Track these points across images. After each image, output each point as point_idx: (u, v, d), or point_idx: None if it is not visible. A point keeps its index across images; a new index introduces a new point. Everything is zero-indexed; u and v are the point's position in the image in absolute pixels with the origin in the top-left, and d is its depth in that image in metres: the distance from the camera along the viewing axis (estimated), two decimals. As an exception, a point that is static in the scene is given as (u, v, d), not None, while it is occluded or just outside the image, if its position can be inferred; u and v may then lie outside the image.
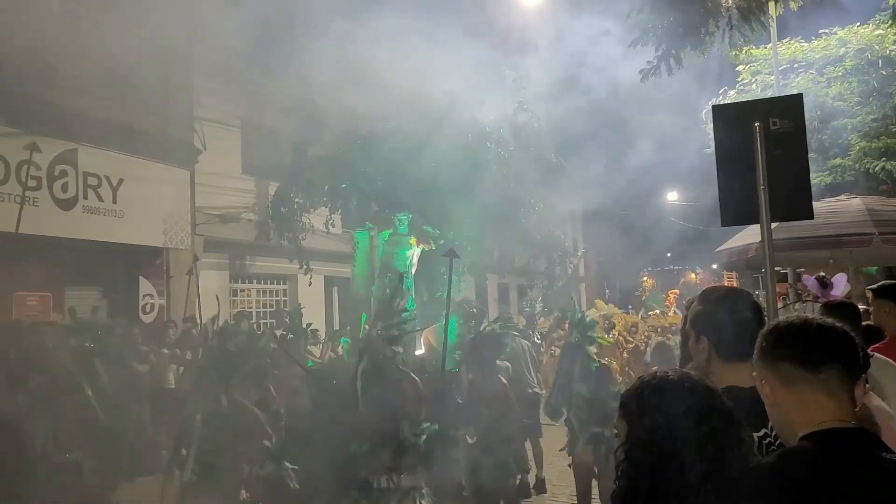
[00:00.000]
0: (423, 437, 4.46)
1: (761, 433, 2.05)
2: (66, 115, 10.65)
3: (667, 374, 1.82)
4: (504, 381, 6.14)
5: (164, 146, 12.90)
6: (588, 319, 6.01)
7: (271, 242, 15.10)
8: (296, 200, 12.71)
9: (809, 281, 6.86)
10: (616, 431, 1.86)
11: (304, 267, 13.37)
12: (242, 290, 16.11)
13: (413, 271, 9.16)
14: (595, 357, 6.00)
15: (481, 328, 6.39)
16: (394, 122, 11.11)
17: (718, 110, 4.53)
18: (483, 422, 5.55)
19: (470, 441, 5.51)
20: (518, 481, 6.52)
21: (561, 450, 6.50)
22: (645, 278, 27.11)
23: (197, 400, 4.77)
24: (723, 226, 4.48)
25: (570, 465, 6.36)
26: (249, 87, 13.64)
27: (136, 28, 10.34)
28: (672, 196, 28.53)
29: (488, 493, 5.59)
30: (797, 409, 1.65)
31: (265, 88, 12.64)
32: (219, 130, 14.07)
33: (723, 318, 2.28)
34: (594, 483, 6.22)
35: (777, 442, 2.04)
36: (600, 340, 6.73)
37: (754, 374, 1.79)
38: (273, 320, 14.26)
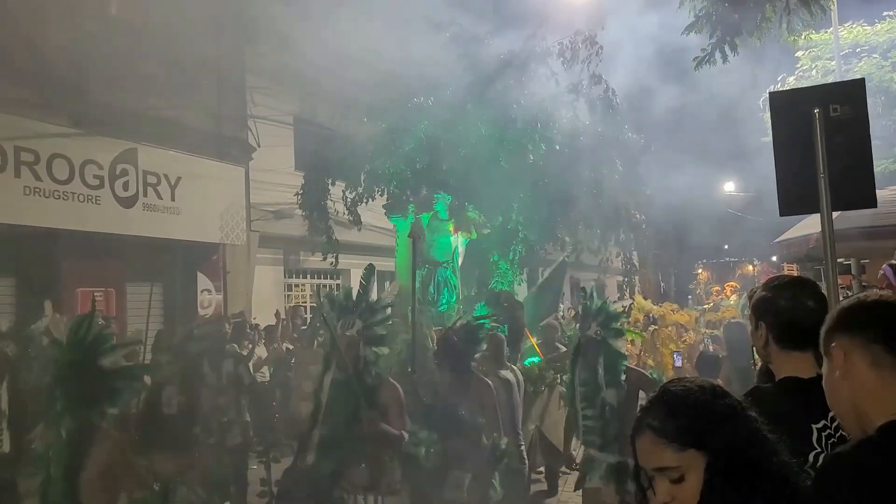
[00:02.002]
0: (409, 451, 4.21)
1: (820, 424, 2.00)
2: (125, 116, 10.96)
3: (689, 382, 1.65)
4: (490, 383, 5.12)
5: (219, 144, 13.19)
6: (611, 307, 4.77)
7: (323, 237, 15.32)
8: (328, 185, 11.86)
9: (887, 269, 6.61)
10: (674, 467, 1.53)
11: (333, 260, 12.43)
12: (297, 285, 16.36)
13: (460, 261, 8.75)
14: (626, 355, 4.78)
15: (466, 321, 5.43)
16: (439, 91, 10.22)
17: (776, 97, 4.39)
18: (451, 431, 4.59)
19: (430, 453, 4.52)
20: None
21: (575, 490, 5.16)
22: (700, 270, 26.48)
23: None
24: (781, 215, 4.35)
25: None
26: (301, 84, 13.77)
27: (192, 29, 10.58)
28: (729, 186, 27.90)
29: None
30: (878, 394, 1.52)
31: (316, 85, 12.70)
32: (272, 128, 14.30)
33: (782, 304, 2.22)
34: None
35: (837, 434, 1.99)
36: (631, 334, 5.87)
37: (834, 345, 1.58)
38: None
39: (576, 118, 11.23)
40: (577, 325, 4.87)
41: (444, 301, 7.97)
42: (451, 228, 8.37)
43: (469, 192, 9.87)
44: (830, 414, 1.97)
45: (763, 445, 1.54)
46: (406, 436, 4.25)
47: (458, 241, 8.62)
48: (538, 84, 10.82)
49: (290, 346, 11.22)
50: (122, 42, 10.28)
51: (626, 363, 4.72)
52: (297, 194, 11.64)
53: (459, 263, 8.78)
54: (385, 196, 11.18)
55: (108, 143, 10.79)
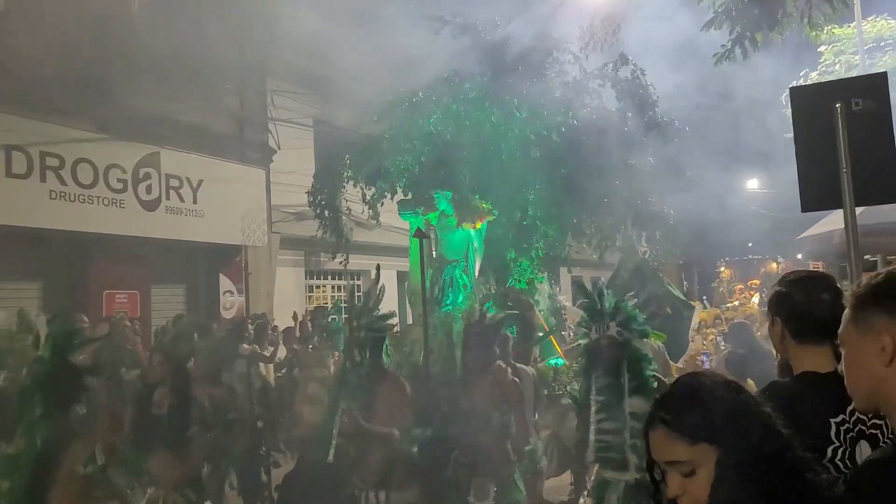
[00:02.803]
0: (414, 446, 4.22)
1: (839, 419, 2.00)
2: (148, 120, 11.09)
3: (703, 377, 1.65)
4: (515, 379, 4.91)
5: (240, 147, 13.33)
6: (629, 306, 4.28)
7: (343, 241, 15.40)
8: (342, 185, 11.29)
9: None
10: (685, 461, 1.53)
11: (344, 260, 12.04)
12: (318, 286, 16.45)
13: (477, 259, 8.49)
14: (651, 359, 4.29)
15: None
16: (450, 83, 9.79)
17: (797, 92, 4.37)
18: (474, 431, 4.50)
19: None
20: None
21: None
22: (722, 268, 26.18)
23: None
24: (803, 211, 4.31)
25: None
26: (321, 87, 13.85)
27: (214, 34, 10.70)
28: (753, 184, 27.62)
29: None
30: None
31: (336, 87, 12.73)
32: (292, 130, 14.39)
33: (798, 299, 2.22)
34: None
35: (856, 428, 1.98)
36: (654, 336, 5.25)
37: (878, 327, 1.50)
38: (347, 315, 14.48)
39: (601, 104, 10.68)
40: (589, 326, 4.23)
41: (448, 301, 7.73)
42: (456, 222, 8.10)
43: (483, 187, 9.46)
44: (849, 408, 1.96)
45: (776, 440, 1.53)
46: (396, 433, 4.26)
47: (473, 235, 8.28)
48: (558, 69, 10.41)
49: (312, 347, 11.24)
50: (145, 47, 10.40)
51: (653, 368, 4.22)
52: (307, 193, 11.36)
53: (477, 260, 8.44)
54: (405, 194, 10.65)
55: (131, 147, 10.94)
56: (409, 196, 10.15)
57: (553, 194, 9.92)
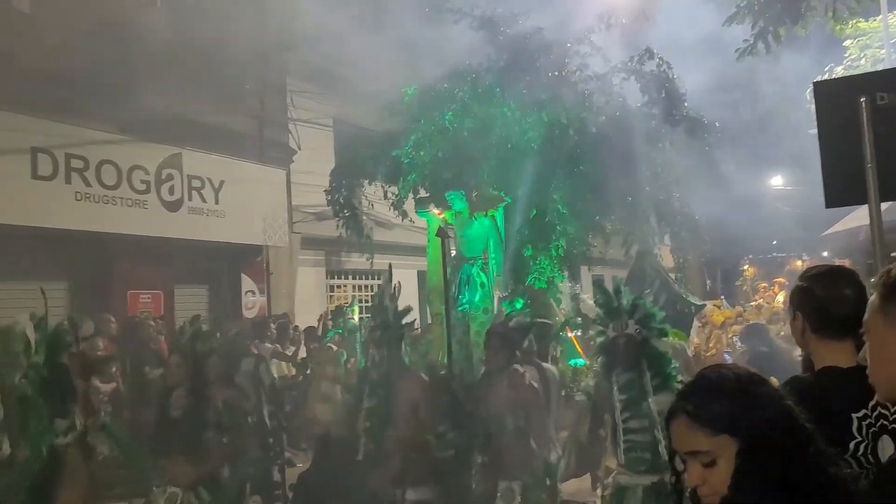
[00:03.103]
0: (435, 445, 4.26)
1: (860, 414, 1.98)
2: (170, 122, 11.20)
3: (725, 369, 1.67)
4: (533, 384, 4.76)
5: (261, 147, 13.40)
6: (648, 304, 4.22)
7: (364, 239, 15.45)
8: (359, 183, 11.30)
9: None
10: (705, 451, 1.55)
11: (369, 257, 12.11)
12: (339, 286, 16.51)
13: (501, 249, 8.36)
14: (671, 358, 4.21)
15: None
16: (466, 78, 9.58)
17: (820, 87, 4.30)
18: (494, 433, 4.48)
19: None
20: None
21: None
22: (746, 266, 25.91)
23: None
24: (827, 207, 4.25)
25: None
26: (341, 87, 13.90)
27: (235, 35, 10.77)
28: (777, 181, 27.33)
29: None
30: None
31: (355, 87, 12.76)
32: (312, 130, 14.45)
33: (819, 293, 2.20)
34: None
35: (878, 423, 1.96)
36: (674, 335, 5.16)
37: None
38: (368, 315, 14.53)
39: (623, 99, 10.38)
40: (606, 324, 4.17)
41: (464, 300, 7.63)
42: (469, 213, 7.98)
43: (501, 183, 9.33)
44: (871, 403, 1.94)
45: (797, 434, 1.53)
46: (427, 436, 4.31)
47: (490, 226, 8.13)
48: (579, 62, 10.17)
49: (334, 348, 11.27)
50: (166, 49, 10.51)
51: (674, 365, 4.16)
52: (325, 191, 11.27)
53: (501, 250, 8.26)
54: (425, 191, 10.58)
55: (154, 148, 11.04)
56: (427, 194, 10.10)
57: (574, 191, 9.77)
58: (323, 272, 15.84)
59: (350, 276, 16.74)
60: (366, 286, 16.93)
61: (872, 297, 1.53)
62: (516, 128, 9.22)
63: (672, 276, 9.62)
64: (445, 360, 5.53)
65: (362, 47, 10.70)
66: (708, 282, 31.91)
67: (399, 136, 10.01)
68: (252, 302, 13.35)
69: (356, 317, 9.20)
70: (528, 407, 4.58)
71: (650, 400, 3.96)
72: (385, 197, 10.60)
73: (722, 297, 21.69)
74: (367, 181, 11.00)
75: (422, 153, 9.43)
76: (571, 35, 10.27)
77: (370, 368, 4.54)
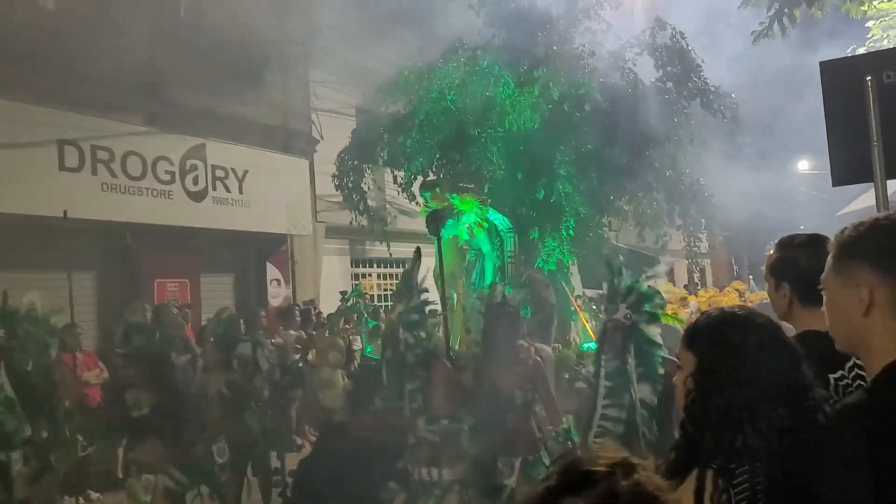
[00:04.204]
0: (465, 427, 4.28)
1: (837, 375, 2.04)
2: (194, 113, 11.39)
3: (735, 310, 1.87)
4: (538, 359, 4.74)
5: (284, 138, 13.57)
6: (644, 286, 3.98)
7: (389, 227, 15.53)
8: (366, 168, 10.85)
9: None
10: (678, 362, 1.86)
11: (383, 243, 11.72)
12: (363, 275, 16.66)
13: (507, 246, 8.13)
14: (660, 344, 3.93)
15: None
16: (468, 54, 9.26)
17: (827, 66, 4.29)
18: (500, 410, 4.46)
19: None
20: None
21: None
22: (770, 251, 25.66)
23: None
24: (834, 185, 4.29)
25: None
26: (362, 76, 13.98)
27: (258, 26, 10.90)
28: (803, 164, 26.93)
29: None
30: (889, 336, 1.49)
31: (376, 76, 12.82)
32: (335, 120, 14.56)
33: (804, 263, 2.25)
34: None
35: (855, 384, 2.01)
36: (668, 320, 4.93)
37: (858, 279, 1.53)
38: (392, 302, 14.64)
39: (635, 75, 9.93)
40: (603, 307, 4.03)
41: (476, 284, 7.54)
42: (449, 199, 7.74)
43: (507, 164, 9.02)
44: (848, 364, 2.01)
45: (759, 367, 1.69)
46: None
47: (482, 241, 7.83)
48: (589, 38, 9.79)
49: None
50: (190, 41, 10.68)
51: (662, 353, 3.88)
52: (332, 176, 10.90)
53: (495, 259, 8.04)
54: (434, 174, 10.00)
55: (178, 139, 11.23)
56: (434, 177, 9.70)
57: (580, 170, 9.38)
58: (347, 261, 15.99)
59: (374, 265, 16.88)
60: (390, 275, 17.05)
61: (829, 257, 1.60)
62: (519, 106, 8.86)
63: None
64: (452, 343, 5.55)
65: (378, 35, 10.73)
66: (735, 269, 31.62)
67: (402, 117, 9.78)
68: (277, 291, 13.54)
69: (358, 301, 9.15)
70: (534, 381, 4.60)
71: (633, 389, 3.79)
72: (395, 182, 10.40)
73: (750, 276, 21.52)
74: (370, 166, 10.66)
75: (426, 136, 9.16)
76: (580, 10, 9.93)
77: (405, 351, 4.57)
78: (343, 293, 10.41)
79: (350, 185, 10.59)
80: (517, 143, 9.17)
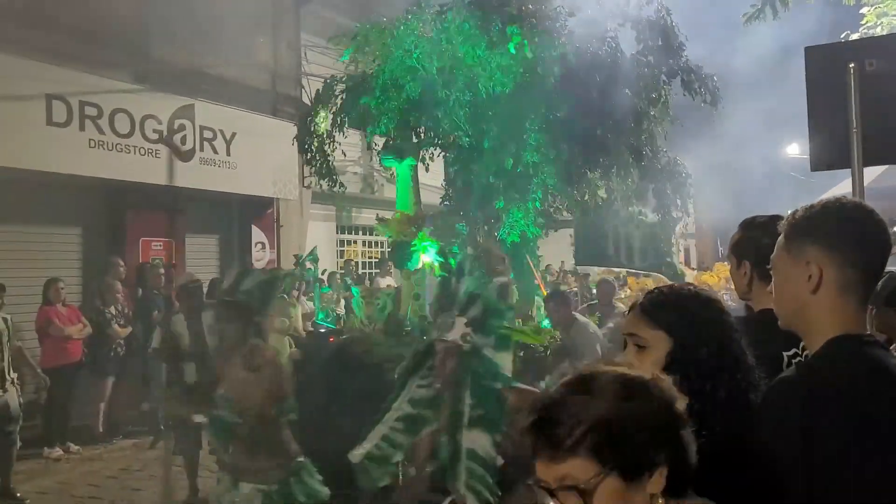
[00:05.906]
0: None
1: (791, 352, 2.10)
2: (183, 73, 11.29)
3: (693, 286, 1.91)
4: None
5: (273, 101, 13.49)
6: (494, 298, 2.92)
7: (376, 195, 15.52)
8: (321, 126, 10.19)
9: None
10: (641, 340, 1.78)
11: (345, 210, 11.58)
12: (349, 241, 16.70)
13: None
14: (510, 378, 2.84)
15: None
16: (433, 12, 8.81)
17: (811, 52, 4.33)
18: None
19: None
20: None
21: None
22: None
23: None
24: (812, 170, 4.35)
25: None
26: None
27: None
28: (792, 149, 27.08)
29: None
30: (835, 314, 1.57)
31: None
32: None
33: (766, 242, 2.26)
34: None
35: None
36: (522, 337, 4.16)
37: (808, 257, 1.60)
38: (377, 270, 14.71)
39: (615, 45, 9.59)
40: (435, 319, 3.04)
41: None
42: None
43: (473, 128, 8.71)
44: (802, 343, 2.04)
45: (726, 358, 1.74)
46: None
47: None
48: (568, 1, 9.30)
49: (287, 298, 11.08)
50: (182, 1, 10.57)
51: (502, 385, 2.79)
52: (294, 138, 10.43)
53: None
54: (397, 137, 9.63)
55: (167, 98, 11.15)
56: (396, 140, 9.52)
57: (549, 139, 9.02)
58: (333, 227, 16.01)
59: (360, 232, 16.91)
60: (375, 242, 17.09)
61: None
62: (490, 68, 8.45)
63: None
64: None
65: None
66: (720, 249, 31.89)
67: (367, 76, 9.39)
68: (261, 254, 13.57)
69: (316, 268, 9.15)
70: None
71: (460, 435, 2.76)
72: (369, 148, 10.07)
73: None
74: (336, 129, 10.11)
75: (391, 96, 8.70)
76: None
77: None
78: (297, 256, 10.30)
79: (313, 147, 10.23)
80: (486, 107, 8.83)
